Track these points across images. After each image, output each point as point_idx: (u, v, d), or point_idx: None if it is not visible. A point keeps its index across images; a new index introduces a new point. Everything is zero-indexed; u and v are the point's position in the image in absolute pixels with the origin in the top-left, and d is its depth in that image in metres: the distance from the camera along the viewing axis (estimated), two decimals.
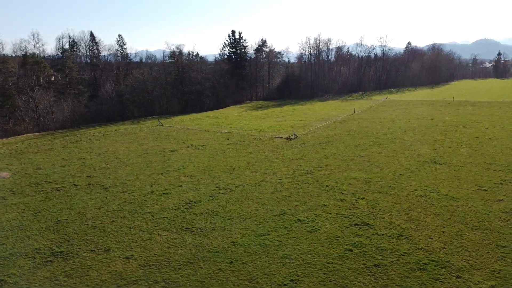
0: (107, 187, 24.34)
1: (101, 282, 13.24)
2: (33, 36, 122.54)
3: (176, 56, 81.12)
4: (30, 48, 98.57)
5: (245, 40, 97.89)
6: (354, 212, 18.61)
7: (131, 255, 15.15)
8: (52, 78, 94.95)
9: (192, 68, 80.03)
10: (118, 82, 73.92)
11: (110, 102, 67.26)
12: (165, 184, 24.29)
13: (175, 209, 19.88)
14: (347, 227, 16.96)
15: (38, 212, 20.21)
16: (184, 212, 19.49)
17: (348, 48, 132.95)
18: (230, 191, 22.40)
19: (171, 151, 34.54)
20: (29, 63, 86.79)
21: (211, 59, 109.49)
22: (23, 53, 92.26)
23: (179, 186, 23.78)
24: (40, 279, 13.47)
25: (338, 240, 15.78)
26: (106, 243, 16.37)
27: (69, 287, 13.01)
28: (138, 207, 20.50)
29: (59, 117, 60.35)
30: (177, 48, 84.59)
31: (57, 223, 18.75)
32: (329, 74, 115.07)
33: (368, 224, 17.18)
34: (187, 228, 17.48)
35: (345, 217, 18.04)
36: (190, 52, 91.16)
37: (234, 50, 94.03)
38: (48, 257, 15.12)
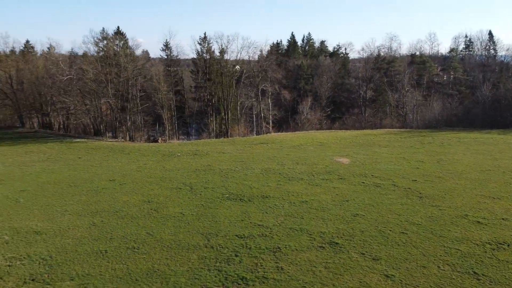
0: (422, 196, 22.80)
1: None
2: (430, 37, 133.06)
3: None
4: (425, 48, 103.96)
5: None
6: None
7: (393, 275, 13.78)
8: (436, 79, 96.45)
9: None
10: (497, 85, 64.94)
11: (483, 106, 60.46)
12: (487, 212, 19.77)
13: (477, 244, 15.97)
14: None
15: (346, 201, 22.00)
16: (486, 252, 15.32)
17: None
18: None
19: None
20: (415, 62, 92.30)
21: None
22: (416, 52, 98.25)
23: (502, 218, 18.71)
24: (303, 260, 14.91)
25: None
26: (379, 252, 15.69)
27: (320, 278, 13.66)
28: (438, 227, 18.03)
29: (425, 116, 61.04)
30: None
31: (354, 215, 19.75)
32: None
33: None
34: (475, 272, 13.73)
35: None
36: None
37: None
38: (324, 244, 16.37)
